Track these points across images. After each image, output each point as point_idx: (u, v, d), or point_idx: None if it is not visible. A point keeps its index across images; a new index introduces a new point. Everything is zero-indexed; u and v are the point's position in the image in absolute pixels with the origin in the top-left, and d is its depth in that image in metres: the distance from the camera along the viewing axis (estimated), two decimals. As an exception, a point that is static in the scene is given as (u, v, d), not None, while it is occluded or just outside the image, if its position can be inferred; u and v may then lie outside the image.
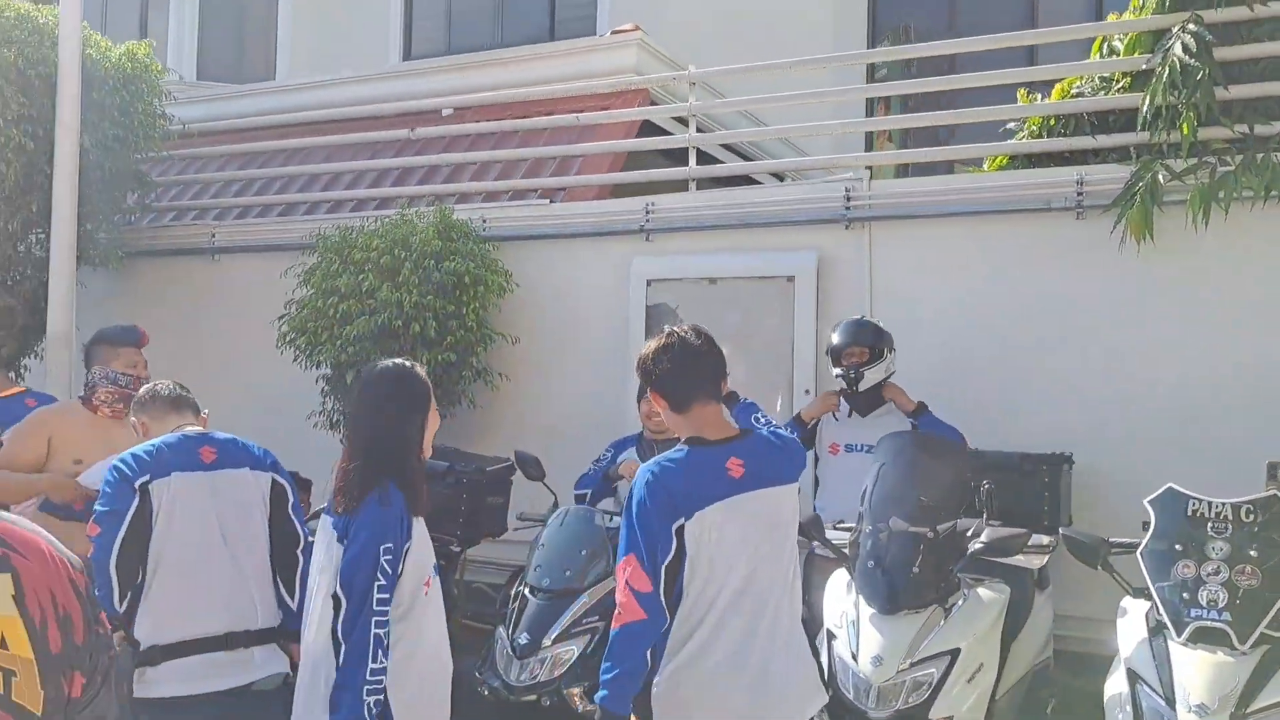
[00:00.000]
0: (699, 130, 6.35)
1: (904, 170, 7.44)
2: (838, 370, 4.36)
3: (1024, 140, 5.25)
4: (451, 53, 12.00)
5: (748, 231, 5.52)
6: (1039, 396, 4.84)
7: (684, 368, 2.59)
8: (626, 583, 2.41)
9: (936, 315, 5.06)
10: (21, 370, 6.66)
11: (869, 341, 4.38)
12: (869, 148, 8.64)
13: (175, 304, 7.17)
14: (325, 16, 12.59)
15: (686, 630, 2.47)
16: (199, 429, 3.01)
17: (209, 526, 2.88)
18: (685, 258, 5.63)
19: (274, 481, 3.01)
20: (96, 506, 2.86)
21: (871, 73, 9.42)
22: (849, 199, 5.27)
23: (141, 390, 3.14)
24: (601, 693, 2.39)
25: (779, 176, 7.39)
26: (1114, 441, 4.68)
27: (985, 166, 5.49)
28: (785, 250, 5.38)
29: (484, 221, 6.10)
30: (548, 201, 6.29)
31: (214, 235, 7.19)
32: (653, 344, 2.65)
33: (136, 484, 2.83)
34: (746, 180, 6.65)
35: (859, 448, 4.51)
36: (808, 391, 5.25)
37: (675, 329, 2.67)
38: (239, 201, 7.44)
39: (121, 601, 2.77)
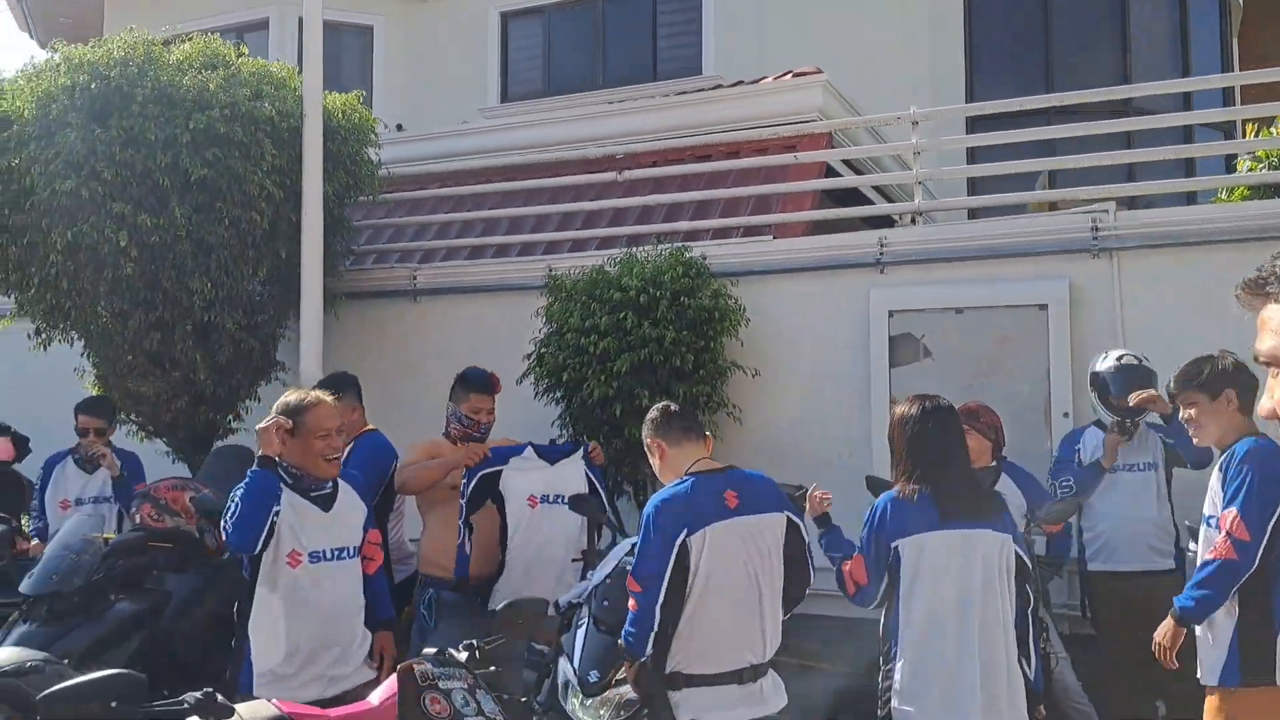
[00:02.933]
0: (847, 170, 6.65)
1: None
2: (1117, 416, 4.72)
3: (1261, 172, 5.56)
4: (551, 94, 12.36)
5: (991, 262, 5.77)
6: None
7: None
8: None
9: (1192, 343, 5.30)
10: (242, 412, 6.84)
11: (1150, 382, 4.73)
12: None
13: (378, 346, 7.35)
14: (419, 61, 12.87)
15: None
16: (714, 465, 3.17)
17: (740, 570, 3.05)
18: (926, 288, 5.87)
19: (788, 520, 3.18)
20: (635, 563, 3.05)
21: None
22: (1096, 229, 5.54)
23: (655, 411, 3.30)
24: None
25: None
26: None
27: (1224, 197, 5.79)
28: (1035, 279, 5.64)
29: (704, 258, 6.34)
30: (770, 237, 6.54)
31: (415, 278, 7.40)
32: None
33: (676, 542, 3.01)
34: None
35: (1139, 466, 4.89)
36: (1066, 414, 5.48)
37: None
38: (441, 244, 7.67)
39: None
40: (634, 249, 6.26)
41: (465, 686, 2.26)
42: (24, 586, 3.68)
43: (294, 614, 3.26)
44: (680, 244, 6.26)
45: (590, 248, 7.26)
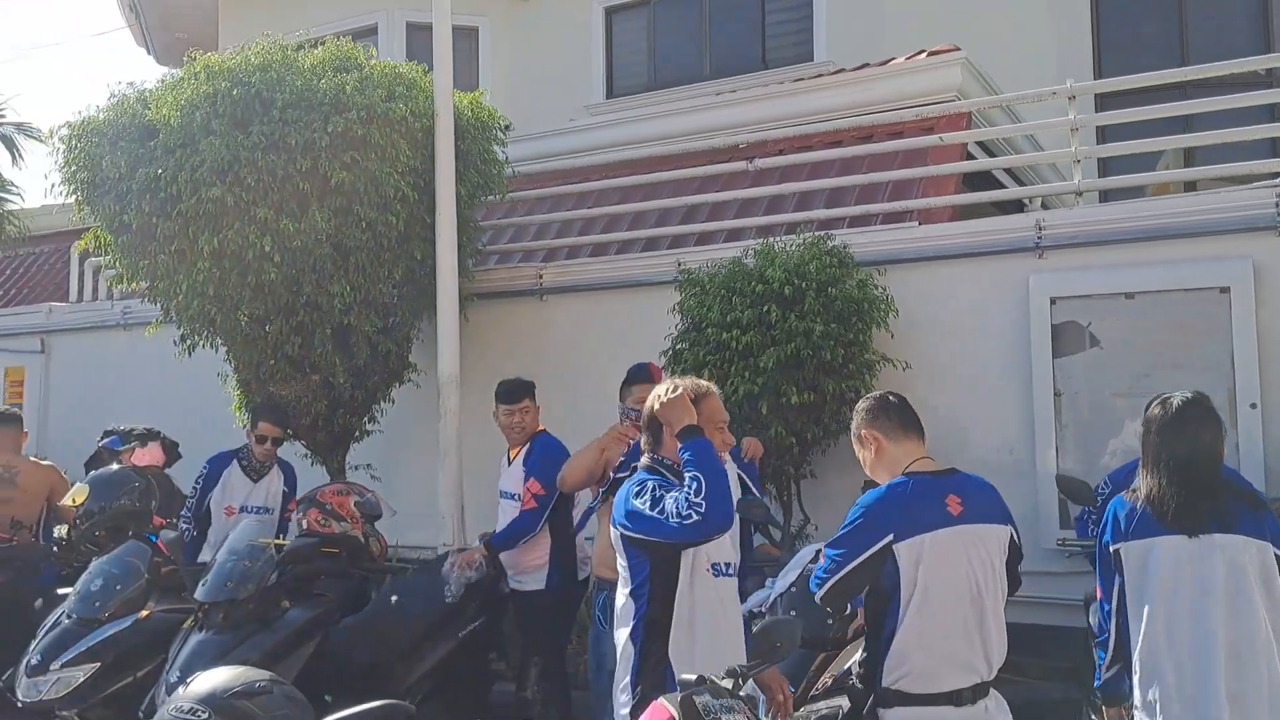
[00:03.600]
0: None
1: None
2: None
3: None
4: (658, 89, 12.18)
5: (1164, 243, 5.38)
6: None
7: None
8: None
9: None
10: (376, 413, 6.84)
11: None
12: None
13: (506, 347, 7.29)
14: (523, 61, 12.83)
15: None
16: (934, 466, 2.93)
17: (962, 582, 2.79)
18: (1091, 273, 5.50)
19: (1011, 535, 2.92)
20: (828, 550, 2.84)
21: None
22: (1282, 204, 5.11)
23: (871, 400, 3.06)
24: None
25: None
26: None
27: None
28: (1215, 259, 5.23)
29: (846, 246, 6.08)
30: (916, 224, 6.25)
31: (541, 276, 7.32)
32: None
33: (877, 545, 2.77)
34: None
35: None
36: (1254, 406, 5.07)
37: None
38: (565, 243, 7.59)
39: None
40: (770, 239, 6.05)
41: (746, 718, 2.08)
42: (198, 594, 3.67)
43: (716, 628, 2.81)
44: (819, 233, 6.02)
45: (718, 240, 7.07)
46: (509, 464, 4.84)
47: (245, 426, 6.67)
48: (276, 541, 3.80)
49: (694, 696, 2.07)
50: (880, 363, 5.72)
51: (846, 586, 2.83)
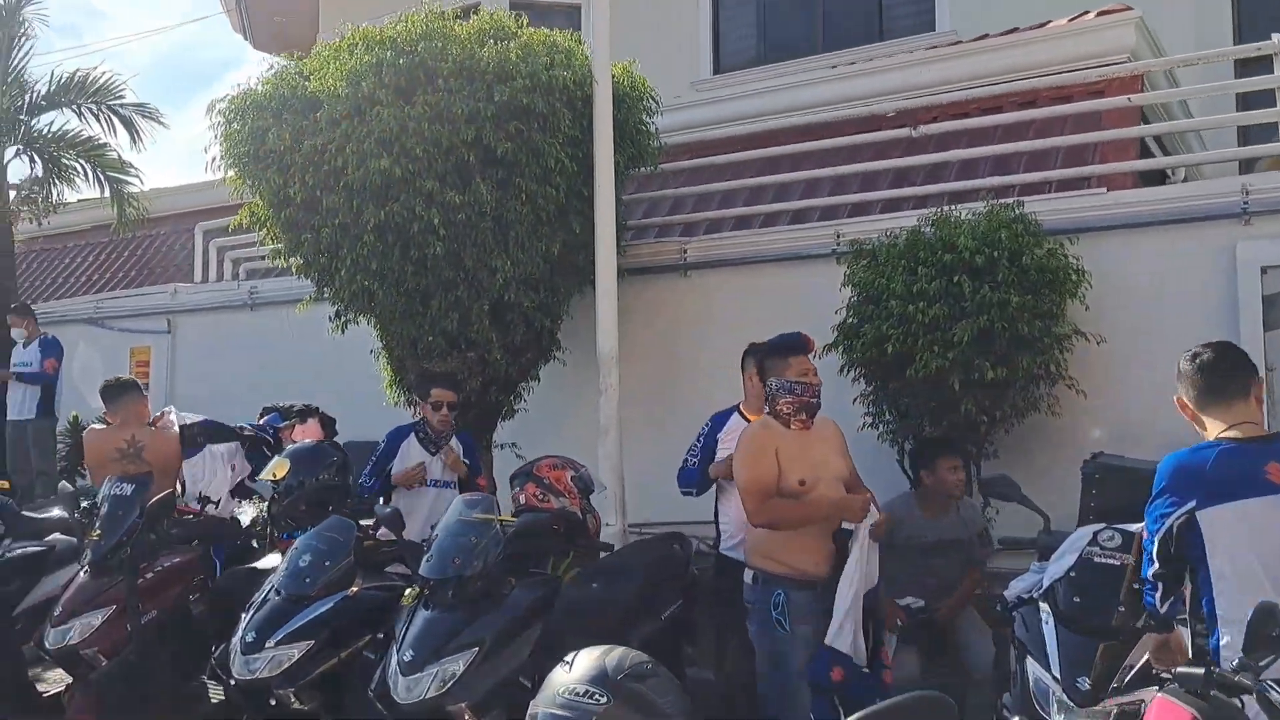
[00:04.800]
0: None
1: None
2: None
3: None
4: (766, 63, 11.87)
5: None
6: None
7: None
8: None
9: None
10: (522, 391, 6.70)
11: None
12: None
13: (648, 322, 7.12)
14: (627, 38, 12.55)
15: None
16: (1258, 432, 2.67)
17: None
18: (1311, 241, 5.15)
19: None
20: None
21: None
22: None
23: (1183, 359, 2.80)
24: None
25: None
26: None
27: None
28: None
29: (1032, 215, 5.74)
30: (1104, 190, 5.92)
31: (685, 251, 7.12)
32: None
33: (1179, 512, 2.53)
34: None
35: None
36: None
37: None
38: (708, 216, 7.39)
39: None
40: (946, 208, 5.76)
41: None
42: (424, 569, 3.55)
43: None
44: (1005, 200, 5.72)
45: (872, 212, 6.80)
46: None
47: (397, 403, 6.61)
48: (501, 518, 3.67)
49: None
50: (1073, 336, 5.41)
51: (1168, 564, 2.59)
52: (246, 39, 15.28)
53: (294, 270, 6.43)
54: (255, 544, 5.64)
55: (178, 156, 44.71)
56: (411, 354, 6.19)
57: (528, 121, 5.67)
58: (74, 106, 10.05)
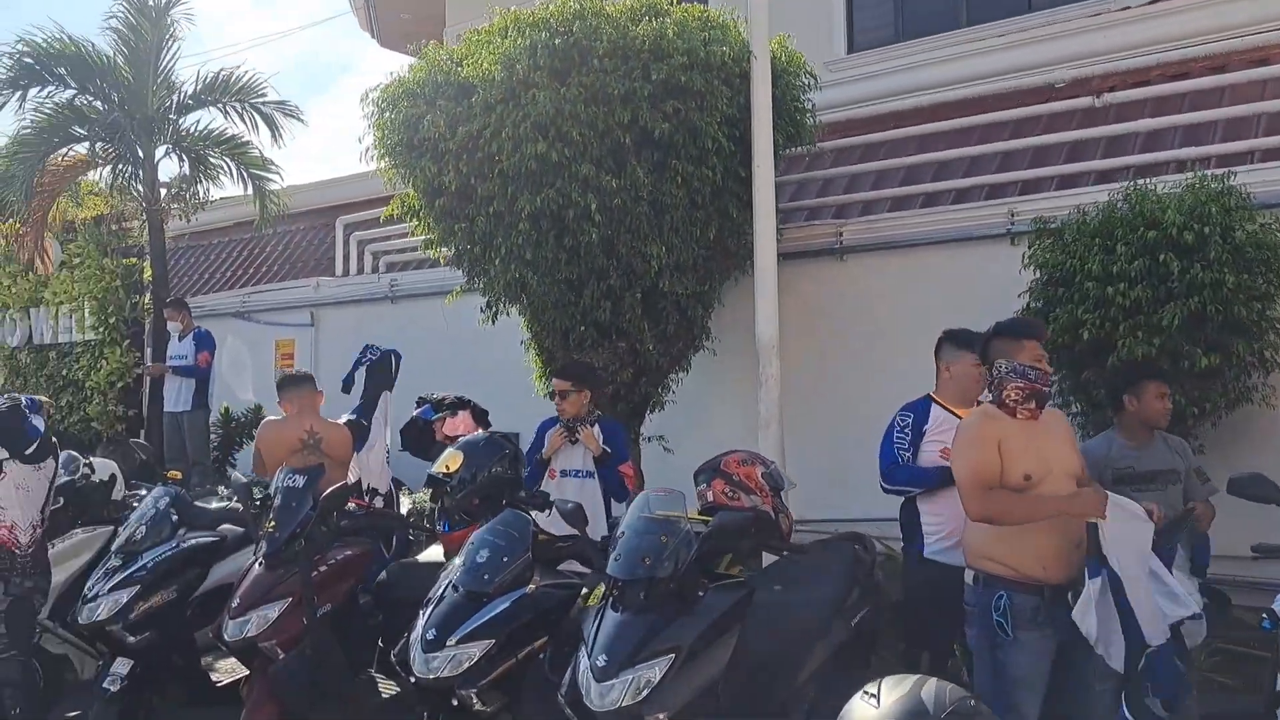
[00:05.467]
0: None
1: None
2: None
3: None
4: (903, 40, 11.34)
5: None
6: None
7: None
8: None
9: None
10: (670, 382, 6.48)
11: None
12: None
13: (801, 309, 6.81)
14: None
15: None
16: None
17: None
18: None
19: None
20: None
21: None
22: None
23: None
24: None
25: None
26: None
27: None
28: None
29: (1244, 187, 5.20)
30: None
31: (841, 234, 6.79)
32: None
33: None
34: None
35: None
36: None
37: None
38: (866, 197, 7.05)
39: None
40: (1142, 181, 5.28)
41: None
42: (612, 569, 3.37)
43: None
44: (1201, 171, 5.21)
45: (1047, 188, 6.34)
46: None
47: (549, 396, 6.49)
48: (692, 516, 3.46)
49: None
50: (1288, 321, 4.89)
51: None
52: (374, 36, 15.50)
53: (443, 262, 6.35)
54: (411, 537, 5.60)
55: (301, 154, 46.47)
56: (563, 345, 6.05)
57: (685, 101, 5.45)
58: (219, 105, 10.29)
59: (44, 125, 9.71)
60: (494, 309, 6.27)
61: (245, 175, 10.40)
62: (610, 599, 3.39)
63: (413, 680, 3.68)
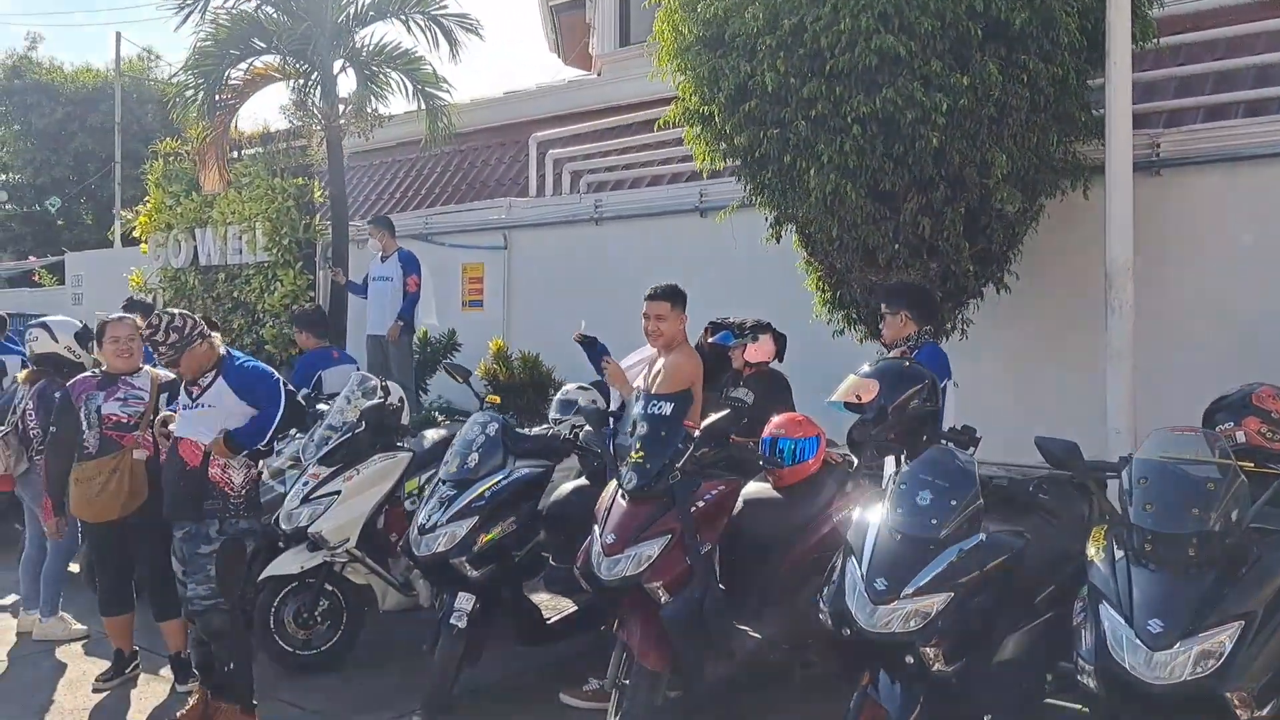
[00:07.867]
0: None
1: None
2: None
3: None
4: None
5: None
6: None
7: None
8: None
9: None
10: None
11: None
12: None
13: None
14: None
15: None
16: None
17: None
18: None
19: None
20: None
21: None
22: None
23: None
24: None
25: None
26: None
27: None
28: None
29: None
30: None
31: (1157, 145, 6.07)
32: None
33: None
34: None
35: None
36: None
37: None
38: (1191, 103, 6.28)
39: None
40: None
41: None
42: (1152, 522, 2.87)
43: None
44: None
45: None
46: None
47: (835, 325, 5.98)
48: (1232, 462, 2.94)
49: None
50: None
51: None
52: (559, 56, 15.03)
53: (728, 173, 5.81)
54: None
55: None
56: (870, 265, 5.49)
57: (1046, -16, 4.78)
58: (400, 17, 9.81)
59: (223, 37, 9.34)
60: (777, 228, 5.73)
61: (419, 93, 9.95)
62: (1133, 553, 2.91)
63: None
